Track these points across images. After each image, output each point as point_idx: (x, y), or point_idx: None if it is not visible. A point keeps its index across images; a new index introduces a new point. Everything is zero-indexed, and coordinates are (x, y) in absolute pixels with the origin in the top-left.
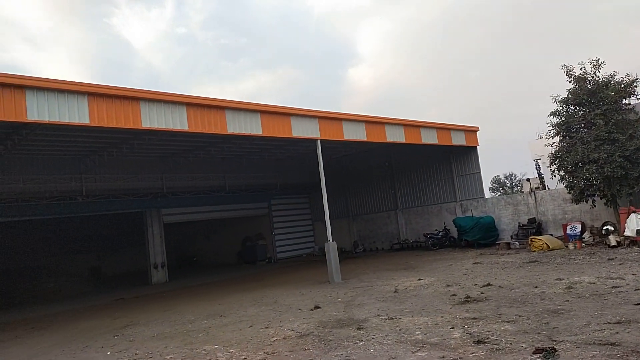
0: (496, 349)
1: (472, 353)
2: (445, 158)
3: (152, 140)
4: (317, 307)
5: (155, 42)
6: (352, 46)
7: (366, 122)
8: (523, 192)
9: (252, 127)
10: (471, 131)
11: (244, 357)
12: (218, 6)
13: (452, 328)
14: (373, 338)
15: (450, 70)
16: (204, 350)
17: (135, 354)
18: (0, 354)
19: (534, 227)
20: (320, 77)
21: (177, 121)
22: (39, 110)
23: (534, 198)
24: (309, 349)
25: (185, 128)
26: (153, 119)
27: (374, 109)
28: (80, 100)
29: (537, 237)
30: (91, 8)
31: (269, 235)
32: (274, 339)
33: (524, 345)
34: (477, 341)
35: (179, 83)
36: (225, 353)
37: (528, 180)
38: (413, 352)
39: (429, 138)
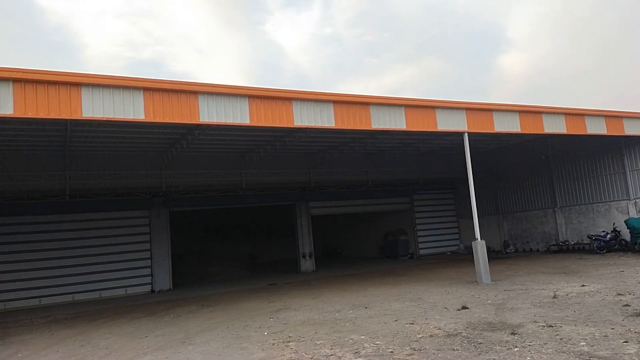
0: None
1: None
2: (616, 150)
3: (302, 137)
4: (464, 308)
5: (303, 44)
6: (502, 31)
7: (520, 112)
8: None
9: (396, 121)
10: None
11: (390, 350)
12: (363, 4)
13: (626, 342)
14: (529, 345)
15: (621, 50)
16: (351, 339)
17: (289, 336)
18: (179, 325)
19: None
20: (467, 67)
21: (325, 119)
22: (209, 113)
23: None
24: (457, 350)
25: (332, 125)
26: (304, 118)
27: (528, 97)
28: (242, 102)
29: None
30: (248, 17)
31: (411, 231)
32: (420, 335)
33: None
34: None
35: (325, 82)
36: (371, 344)
37: None
38: None
39: (596, 127)
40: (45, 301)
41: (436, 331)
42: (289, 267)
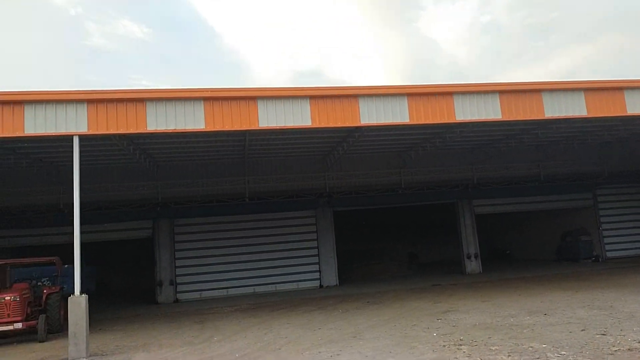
0: None
1: None
2: None
3: (463, 132)
4: None
5: (459, 36)
6: None
7: None
8: None
9: (574, 108)
10: None
11: None
12: None
13: None
14: None
15: None
16: (531, 347)
17: (460, 339)
18: (348, 319)
19: None
20: None
21: (489, 111)
22: (369, 114)
23: None
24: None
25: (499, 117)
26: (466, 112)
27: None
28: (400, 101)
29: None
30: (402, 16)
31: (594, 231)
32: (615, 348)
33: None
34: None
35: (483, 72)
36: (556, 354)
37: None
38: None
39: None
40: (231, 292)
41: (636, 345)
42: (452, 267)
